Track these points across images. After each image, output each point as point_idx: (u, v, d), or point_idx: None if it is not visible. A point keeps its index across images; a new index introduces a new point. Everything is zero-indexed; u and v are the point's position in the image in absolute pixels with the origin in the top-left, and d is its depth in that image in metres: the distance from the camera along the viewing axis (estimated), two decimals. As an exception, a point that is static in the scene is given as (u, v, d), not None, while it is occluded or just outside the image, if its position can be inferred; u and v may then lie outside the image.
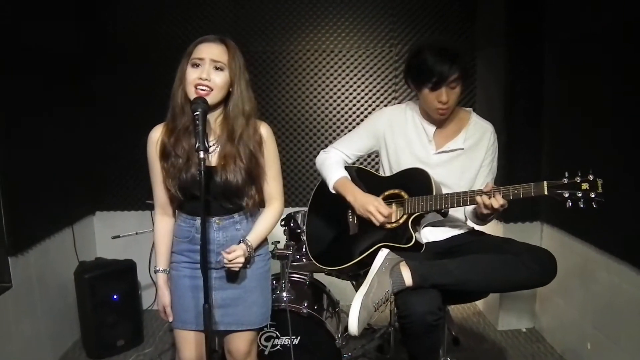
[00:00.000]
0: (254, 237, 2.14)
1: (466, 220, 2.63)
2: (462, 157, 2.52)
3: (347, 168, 2.67)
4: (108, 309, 3.41)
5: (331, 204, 2.63)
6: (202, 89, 1.99)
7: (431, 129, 2.52)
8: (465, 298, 2.63)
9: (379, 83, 3.94)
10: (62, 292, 3.46)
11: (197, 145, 1.89)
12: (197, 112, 1.92)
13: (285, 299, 2.88)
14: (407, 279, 2.13)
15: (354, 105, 3.98)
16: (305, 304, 2.86)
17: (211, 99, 2.00)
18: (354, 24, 3.90)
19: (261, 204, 2.24)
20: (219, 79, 2.01)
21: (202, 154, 1.87)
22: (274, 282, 3.01)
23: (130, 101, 3.86)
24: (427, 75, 2.36)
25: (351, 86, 3.96)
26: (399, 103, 3.17)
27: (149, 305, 4.06)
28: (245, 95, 2.08)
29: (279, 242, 3.00)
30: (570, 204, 2.02)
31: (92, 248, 3.99)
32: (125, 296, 3.49)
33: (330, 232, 2.67)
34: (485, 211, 2.23)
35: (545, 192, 2.06)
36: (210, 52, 2.01)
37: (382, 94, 3.95)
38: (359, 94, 3.97)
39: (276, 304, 2.74)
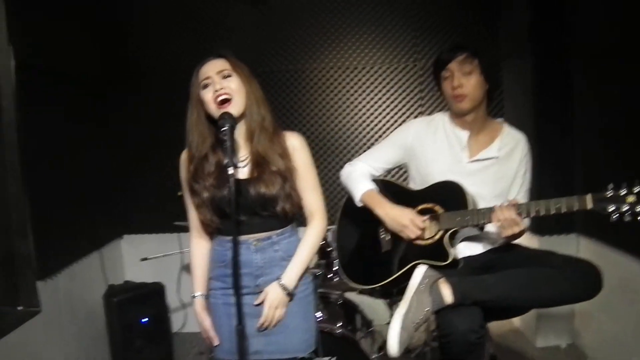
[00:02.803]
0: (290, 276, 2.06)
1: None
2: (496, 166, 2.44)
3: (374, 181, 2.60)
4: (137, 333, 3.39)
5: (360, 220, 2.58)
6: (223, 99, 1.96)
7: (464, 135, 2.45)
8: (506, 314, 2.53)
9: (404, 98, 3.90)
10: (91, 316, 3.44)
11: (226, 162, 1.85)
12: (225, 128, 1.89)
13: (318, 319, 2.82)
14: (447, 296, 2.06)
15: (380, 121, 3.94)
16: (339, 324, 2.78)
17: (236, 107, 1.97)
18: (377, 39, 3.88)
19: (301, 223, 2.17)
20: (233, 84, 1.98)
21: (231, 170, 1.83)
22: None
23: (156, 123, 3.86)
24: (436, 63, 2.46)
25: (376, 102, 3.93)
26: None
27: (179, 328, 4.01)
28: (263, 105, 2.06)
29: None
30: (615, 217, 1.94)
31: (120, 271, 3.97)
32: (154, 319, 3.46)
33: (360, 250, 2.60)
34: (497, 230, 2.20)
35: (589, 206, 1.98)
36: (213, 67, 2.00)
37: (407, 109, 3.90)
38: (384, 109, 3.92)
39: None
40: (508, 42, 3.72)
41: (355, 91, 3.93)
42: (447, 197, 2.37)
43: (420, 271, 2.15)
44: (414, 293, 2.09)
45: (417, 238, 2.35)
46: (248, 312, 2.02)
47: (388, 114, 3.92)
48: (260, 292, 2.05)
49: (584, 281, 2.10)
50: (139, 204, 4.01)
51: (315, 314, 2.22)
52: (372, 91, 3.92)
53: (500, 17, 3.78)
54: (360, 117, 3.95)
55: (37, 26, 2.99)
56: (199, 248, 2.19)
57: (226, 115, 1.93)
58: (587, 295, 2.13)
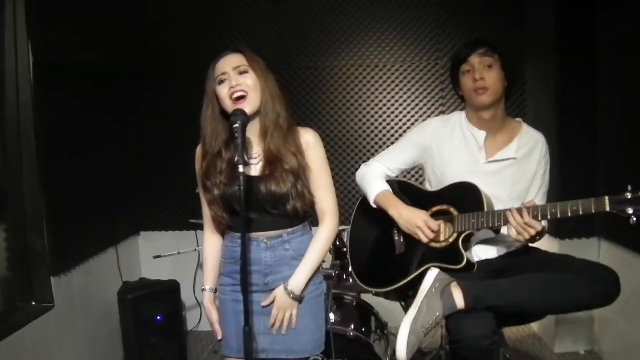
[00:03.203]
0: (298, 280, 2.02)
1: None
2: (513, 167, 2.37)
3: (388, 182, 2.55)
4: (151, 330, 3.37)
5: (374, 221, 2.54)
6: (238, 96, 1.94)
7: (481, 135, 2.40)
8: (521, 320, 2.48)
9: (425, 97, 3.83)
10: (105, 313, 3.44)
11: (236, 159, 1.83)
12: (236, 125, 1.87)
13: (330, 320, 2.78)
14: (459, 301, 2.00)
15: (400, 120, 3.88)
16: (352, 326, 2.74)
17: (250, 104, 1.95)
18: (399, 37, 3.81)
19: (314, 222, 2.14)
20: (249, 80, 1.96)
21: (241, 168, 1.81)
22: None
23: (174, 120, 3.84)
24: (456, 57, 2.44)
25: (397, 100, 3.86)
26: (445, 115, 3.07)
27: (193, 326, 4.01)
28: (278, 101, 2.02)
29: (324, 261, 2.91)
30: (634, 220, 1.87)
31: (136, 268, 3.97)
32: (169, 317, 3.45)
33: (374, 251, 2.55)
34: (513, 234, 2.13)
35: (607, 209, 1.91)
36: (229, 62, 1.97)
37: (428, 108, 3.84)
38: (404, 108, 3.86)
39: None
40: (532, 38, 3.63)
41: (376, 89, 3.87)
42: (463, 198, 2.31)
43: (432, 274, 2.10)
44: (424, 297, 2.04)
45: (431, 240, 2.30)
46: (256, 310, 2.01)
47: (409, 112, 3.86)
48: (270, 290, 2.03)
49: (601, 287, 2.02)
50: (157, 201, 4.00)
51: (328, 315, 2.19)
52: (392, 89, 3.86)
53: (524, 13, 3.68)
54: (380, 116, 3.89)
55: (56, 21, 2.99)
56: (211, 243, 2.19)
57: (238, 112, 1.91)
58: (604, 301, 2.06)
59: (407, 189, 2.55)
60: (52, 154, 2.93)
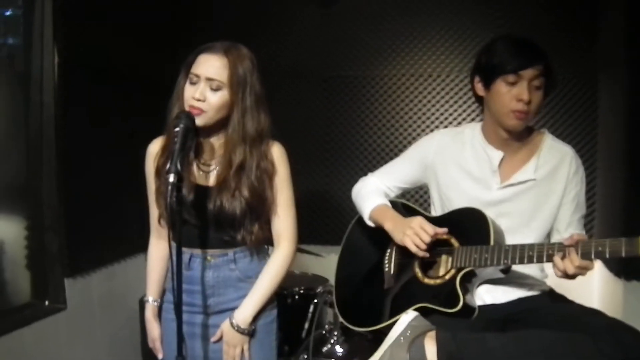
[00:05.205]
0: (245, 313, 1.84)
1: (543, 274, 2.09)
2: (533, 190, 2.00)
3: (390, 202, 2.23)
4: (172, 339, 3.28)
5: (365, 249, 2.24)
6: (196, 106, 1.76)
7: (497, 156, 2.03)
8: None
9: (479, 108, 3.47)
10: (128, 319, 3.38)
11: (167, 166, 1.64)
12: (177, 129, 1.68)
13: (338, 353, 2.56)
14: (431, 355, 1.65)
15: (453, 134, 3.55)
16: (358, 360, 2.50)
17: (203, 120, 1.77)
18: (455, 45, 3.49)
19: (269, 241, 1.94)
20: (215, 99, 1.77)
21: (171, 177, 1.60)
22: (326, 333, 2.70)
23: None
24: (505, 60, 1.91)
25: (451, 114, 3.55)
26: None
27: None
28: (249, 116, 1.81)
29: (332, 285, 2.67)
30: None
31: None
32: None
33: (360, 284, 2.23)
34: (557, 274, 1.75)
35: None
36: (207, 68, 1.77)
37: (481, 120, 3.46)
38: (459, 122, 3.53)
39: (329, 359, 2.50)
40: (606, 50, 3.17)
41: (429, 101, 3.57)
42: (466, 227, 1.97)
43: (407, 318, 1.76)
44: (389, 345, 1.71)
45: (426, 259, 1.98)
46: (196, 333, 1.87)
47: (461, 125, 3.51)
48: (213, 313, 1.87)
49: (623, 356, 1.63)
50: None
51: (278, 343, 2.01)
52: (446, 102, 3.54)
53: (597, 24, 3.22)
54: (431, 129, 3.56)
55: (84, 23, 2.96)
56: (157, 250, 2.06)
57: (183, 115, 1.72)
58: None
59: (409, 213, 2.20)
60: (73, 155, 2.89)
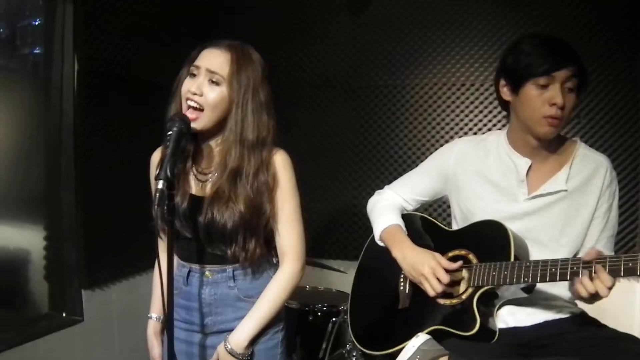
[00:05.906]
0: (240, 337, 1.69)
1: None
2: (563, 202, 1.81)
3: (406, 216, 2.09)
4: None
5: (382, 265, 2.06)
6: (191, 105, 1.65)
7: (524, 164, 1.84)
8: None
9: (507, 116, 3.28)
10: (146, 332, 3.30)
11: (157, 172, 1.52)
12: (170, 132, 1.57)
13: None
14: None
15: (488, 145, 3.36)
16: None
17: (201, 123, 1.66)
18: (489, 52, 3.32)
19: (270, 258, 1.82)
20: (213, 95, 1.65)
21: (160, 184, 1.48)
22: (345, 353, 2.56)
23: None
24: (535, 61, 1.73)
25: (485, 125, 3.37)
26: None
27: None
28: (249, 120, 1.68)
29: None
30: None
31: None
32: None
33: (374, 304, 2.07)
34: (584, 294, 1.57)
35: None
36: (209, 60, 1.67)
37: (520, 132, 3.28)
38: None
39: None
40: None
41: (462, 111, 3.41)
42: (486, 242, 1.81)
43: (417, 341, 1.62)
44: None
45: (442, 294, 1.83)
46: (194, 353, 1.75)
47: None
48: (212, 333, 1.75)
49: None
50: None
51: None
52: (480, 111, 3.37)
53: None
54: (466, 140, 3.40)
55: (104, 31, 2.92)
56: (165, 264, 1.93)
57: (177, 117, 1.61)
58: None
59: (427, 227, 2.06)
60: (92, 163, 2.86)
